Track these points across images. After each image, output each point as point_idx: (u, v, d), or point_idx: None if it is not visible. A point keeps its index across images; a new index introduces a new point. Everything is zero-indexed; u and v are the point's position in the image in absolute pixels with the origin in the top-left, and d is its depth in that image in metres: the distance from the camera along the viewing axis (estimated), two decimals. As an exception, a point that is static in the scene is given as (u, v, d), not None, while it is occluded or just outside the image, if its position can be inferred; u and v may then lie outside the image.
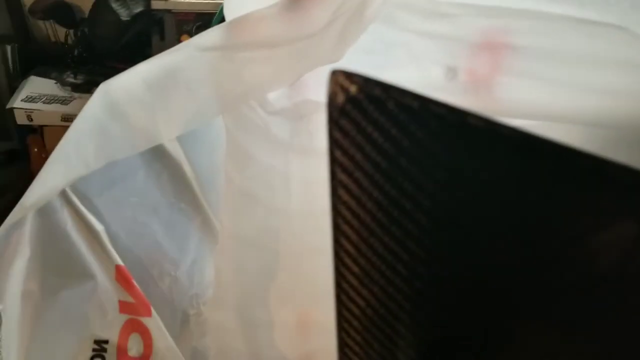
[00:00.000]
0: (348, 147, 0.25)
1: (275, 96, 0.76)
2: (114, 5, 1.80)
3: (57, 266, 0.65)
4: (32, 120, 1.82)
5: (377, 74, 0.85)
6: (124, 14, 1.82)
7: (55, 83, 1.91)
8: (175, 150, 0.72)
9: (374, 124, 0.24)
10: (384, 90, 0.25)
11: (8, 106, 2.00)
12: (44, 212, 0.66)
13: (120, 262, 0.67)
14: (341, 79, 0.24)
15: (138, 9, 1.84)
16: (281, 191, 0.68)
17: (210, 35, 0.65)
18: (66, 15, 2.06)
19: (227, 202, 0.67)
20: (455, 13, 0.74)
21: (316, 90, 0.80)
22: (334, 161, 0.26)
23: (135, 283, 0.67)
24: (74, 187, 0.68)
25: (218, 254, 0.68)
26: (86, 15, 1.98)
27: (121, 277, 0.67)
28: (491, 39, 0.76)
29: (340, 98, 0.24)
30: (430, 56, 0.83)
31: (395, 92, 0.24)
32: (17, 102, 2.01)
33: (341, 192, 0.26)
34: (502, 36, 0.77)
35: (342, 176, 0.25)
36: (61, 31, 2.12)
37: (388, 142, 0.24)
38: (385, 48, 0.83)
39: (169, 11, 1.86)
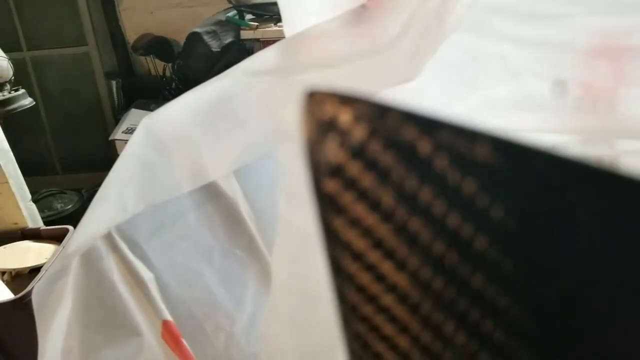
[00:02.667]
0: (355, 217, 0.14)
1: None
2: (206, 38, 1.81)
3: (100, 320, 0.59)
4: (131, 151, 1.87)
5: (467, 92, 0.71)
6: (214, 45, 1.83)
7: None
8: (231, 188, 0.64)
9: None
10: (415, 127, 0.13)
11: (111, 138, 2.09)
12: (89, 260, 0.60)
13: (168, 316, 0.60)
14: (330, 109, 0.13)
15: (228, 39, 1.84)
16: (347, 236, 0.57)
17: (261, 58, 0.56)
18: (165, 50, 2.12)
19: (281, 247, 0.57)
20: (563, 12, 0.60)
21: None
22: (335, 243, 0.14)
23: (183, 341, 0.59)
24: (122, 231, 0.61)
25: (270, 309, 0.59)
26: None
27: (168, 335, 0.59)
28: (610, 42, 0.61)
29: (331, 149, 0.13)
30: (533, 68, 0.69)
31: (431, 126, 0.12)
32: (119, 134, 2.09)
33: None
34: (624, 38, 0.61)
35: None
36: (160, 65, 2.19)
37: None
38: (474, 61, 0.71)
39: (257, 40, 1.85)
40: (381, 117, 0.13)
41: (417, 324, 0.14)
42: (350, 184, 0.14)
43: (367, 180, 0.13)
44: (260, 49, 1.92)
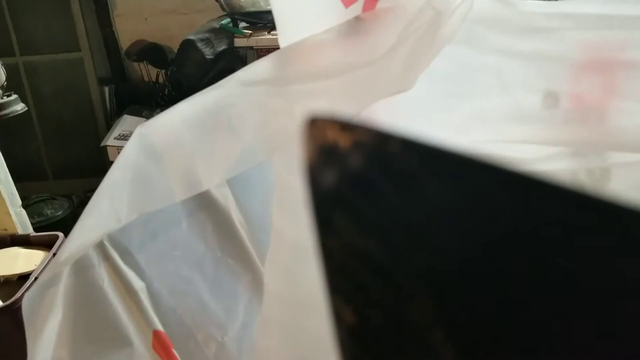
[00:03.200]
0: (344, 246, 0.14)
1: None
2: (199, 45, 1.81)
3: (90, 330, 0.58)
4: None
5: (460, 103, 0.71)
6: (208, 53, 1.83)
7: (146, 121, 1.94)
8: (223, 197, 0.64)
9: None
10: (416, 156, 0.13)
11: (102, 144, 2.08)
12: (81, 268, 0.60)
13: (159, 326, 0.59)
14: (331, 135, 0.13)
15: (222, 47, 1.84)
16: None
17: (256, 68, 0.56)
18: (158, 57, 2.12)
19: (274, 257, 0.57)
20: (554, 26, 0.60)
21: (390, 122, 0.69)
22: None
23: (174, 352, 0.58)
24: (114, 239, 0.61)
25: (262, 319, 0.58)
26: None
27: (159, 345, 0.58)
28: (601, 55, 0.61)
29: (331, 175, 0.13)
30: (524, 81, 0.69)
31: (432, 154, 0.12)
32: (111, 140, 2.08)
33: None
34: (614, 51, 0.62)
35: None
36: (153, 72, 2.19)
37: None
38: (468, 73, 0.71)
39: (251, 48, 1.85)
40: (382, 144, 0.13)
41: (411, 343, 0.15)
42: (350, 209, 0.14)
43: (366, 207, 0.13)
44: (254, 56, 1.92)
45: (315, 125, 0.14)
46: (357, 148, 0.13)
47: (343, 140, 0.14)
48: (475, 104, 0.72)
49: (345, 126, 0.14)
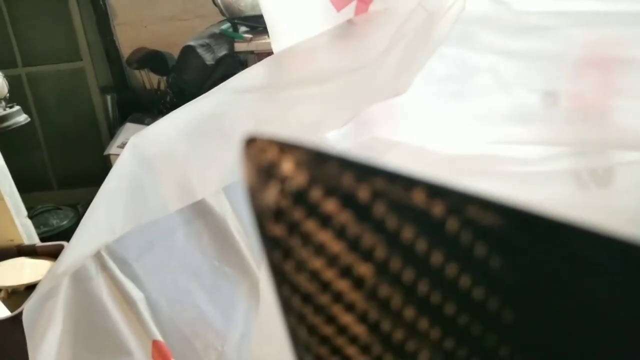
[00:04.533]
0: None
1: (336, 136, 0.65)
2: (200, 51, 1.82)
3: (90, 341, 0.59)
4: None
5: (458, 105, 0.71)
6: (208, 58, 1.83)
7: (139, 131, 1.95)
8: (220, 205, 0.64)
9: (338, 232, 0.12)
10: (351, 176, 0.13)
11: (106, 152, 2.09)
12: (79, 280, 0.60)
13: (158, 336, 0.59)
14: (270, 155, 0.13)
15: (222, 52, 1.85)
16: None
17: (249, 75, 0.56)
18: (159, 64, 2.13)
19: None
20: (550, 24, 0.59)
21: (387, 126, 0.68)
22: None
23: (174, 361, 0.58)
24: (111, 250, 0.61)
25: (260, 327, 0.58)
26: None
27: (158, 355, 0.58)
28: (598, 53, 0.60)
29: (272, 195, 0.13)
30: (523, 80, 0.69)
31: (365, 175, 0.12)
32: (114, 149, 2.09)
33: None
34: (612, 49, 0.61)
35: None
36: (155, 79, 2.19)
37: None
38: (465, 73, 0.70)
39: (252, 52, 1.85)
40: (321, 164, 0.13)
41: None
42: (294, 228, 0.13)
43: (310, 226, 0.13)
44: (255, 61, 1.92)
45: (254, 145, 0.14)
46: (296, 168, 0.13)
47: (282, 161, 0.13)
48: (473, 105, 0.72)
49: (284, 146, 0.14)
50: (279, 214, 0.13)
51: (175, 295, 0.63)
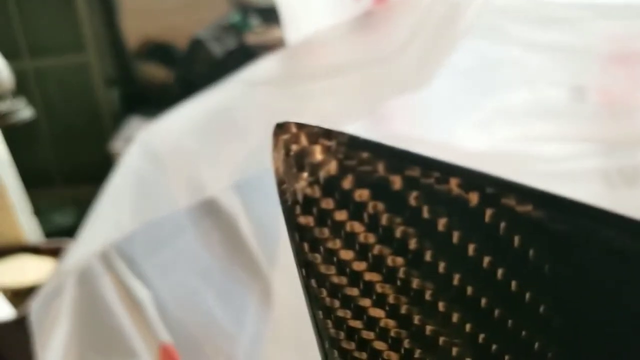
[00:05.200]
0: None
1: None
2: (209, 43, 1.83)
3: (97, 342, 0.59)
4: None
5: (482, 100, 0.71)
6: (218, 51, 1.84)
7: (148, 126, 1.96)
8: (230, 202, 0.64)
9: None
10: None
11: (111, 148, 2.11)
12: (86, 278, 0.60)
13: (165, 338, 0.59)
14: (302, 143, 0.13)
15: (232, 44, 1.85)
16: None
17: (263, 67, 0.56)
18: (167, 56, 2.14)
19: (284, 266, 0.57)
20: (578, 17, 0.59)
21: (405, 122, 0.68)
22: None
23: (182, 364, 0.59)
24: (119, 248, 0.61)
25: (272, 330, 0.58)
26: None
27: (166, 358, 0.59)
28: (626, 46, 0.60)
29: (302, 184, 0.13)
30: (549, 74, 0.68)
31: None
32: (120, 144, 2.11)
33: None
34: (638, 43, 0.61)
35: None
36: (162, 72, 2.20)
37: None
38: (488, 67, 0.70)
39: (263, 45, 1.85)
40: (353, 152, 0.13)
41: (395, 356, 0.15)
42: (324, 219, 0.14)
43: (341, 216, 0.13)
44: (266, 54, 1.92)
45: (284, 132, 0.14)
46: (328, 156, 0.14)
47: (313, 148, 0.14)
48: (498, 100, 0.72)
49: (315, 133, 0.14)
50: (308, 204, 0.14)
51: (184, 296, 0.63)
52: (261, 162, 0.59)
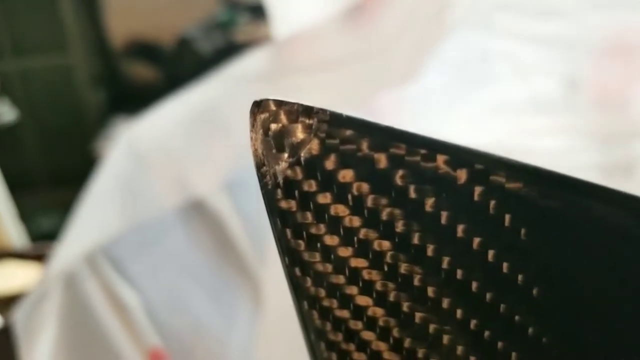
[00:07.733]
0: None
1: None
2: (196, 41, 1.82)
3: (85, 347, 0.59)
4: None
5: (474, 93, 0.71)
6: (206, 49, 1.83)
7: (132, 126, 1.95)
8: (219, 202, 0.63)
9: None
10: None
11: (96, 149, 2.09)
12: (72, 283, 0.60)
13: (156, 342, 0.59)
14: (282, 121, 0.13)
15: (221, 42, 1.85)
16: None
17: (250, 62, 0.56)
18: (153, 55, 2.13)
19: (274, 266, 0.56)
20: (573, 8, 0.59)
21: (397, 117, 0.68)
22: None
23: (172, 369, 0.58)
24: (106, 250, 0.61)
25: (263, 332, 0.58)
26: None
27: (156, 362, 0.58)
28: (623, 39, 0.60)
29: (282, 165, 0.13)
30: (543, 67, 0.69)
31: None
32: (105, 145, 2.09)
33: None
34: (635, 35, 0.61)
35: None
36: (148, 71, 2.19)
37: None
38: (482, 59, 0.70)
39: (252, 42, 1.84)
40: (336, 130, 0.13)
41: (384, 345, 0.14)
42: (307, 202, 0.13)
43: (324, 199, 0.13)
44: (255, 50, 1.92)
45: (264, 110, 0.14)
46: (309, 135, 0.13)
47: (295, 127, 0.14)
48: (491, 93, 0.72)
49: (296, 111, 0.14)
50: (289, 187, 0.13)
51: (174, 298, 0.63)
52: (249, 160, 0.59)
